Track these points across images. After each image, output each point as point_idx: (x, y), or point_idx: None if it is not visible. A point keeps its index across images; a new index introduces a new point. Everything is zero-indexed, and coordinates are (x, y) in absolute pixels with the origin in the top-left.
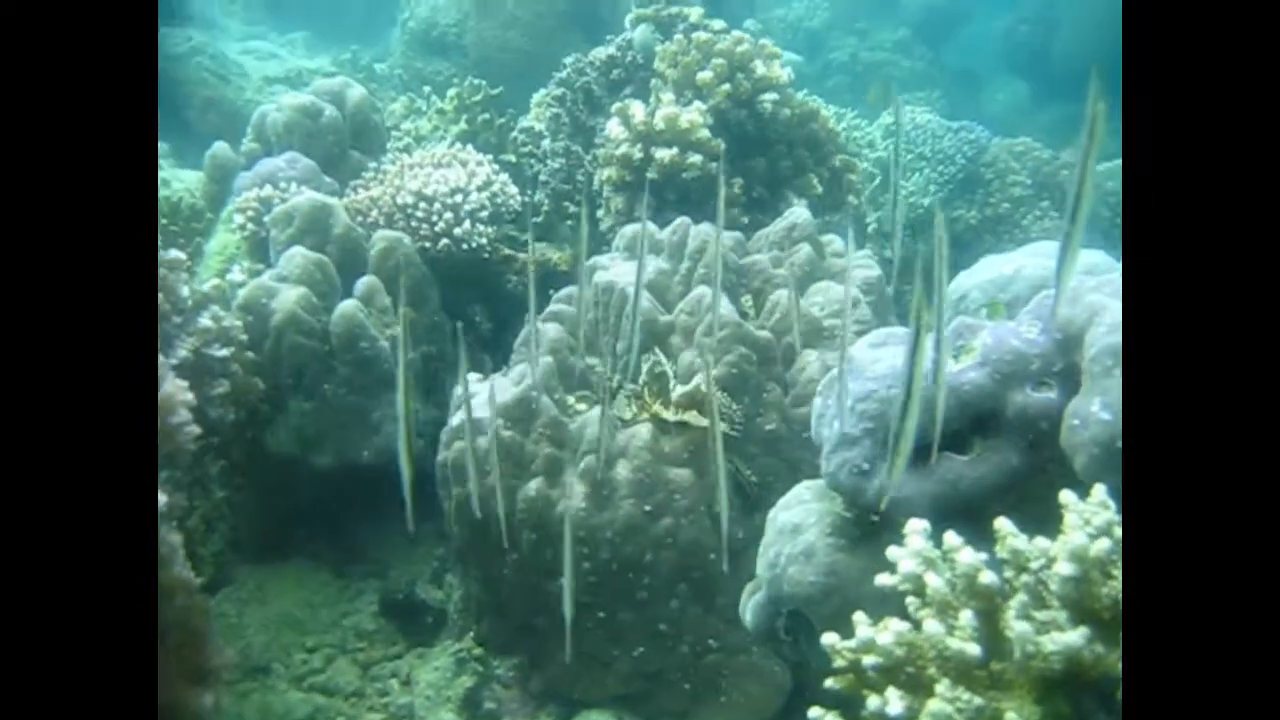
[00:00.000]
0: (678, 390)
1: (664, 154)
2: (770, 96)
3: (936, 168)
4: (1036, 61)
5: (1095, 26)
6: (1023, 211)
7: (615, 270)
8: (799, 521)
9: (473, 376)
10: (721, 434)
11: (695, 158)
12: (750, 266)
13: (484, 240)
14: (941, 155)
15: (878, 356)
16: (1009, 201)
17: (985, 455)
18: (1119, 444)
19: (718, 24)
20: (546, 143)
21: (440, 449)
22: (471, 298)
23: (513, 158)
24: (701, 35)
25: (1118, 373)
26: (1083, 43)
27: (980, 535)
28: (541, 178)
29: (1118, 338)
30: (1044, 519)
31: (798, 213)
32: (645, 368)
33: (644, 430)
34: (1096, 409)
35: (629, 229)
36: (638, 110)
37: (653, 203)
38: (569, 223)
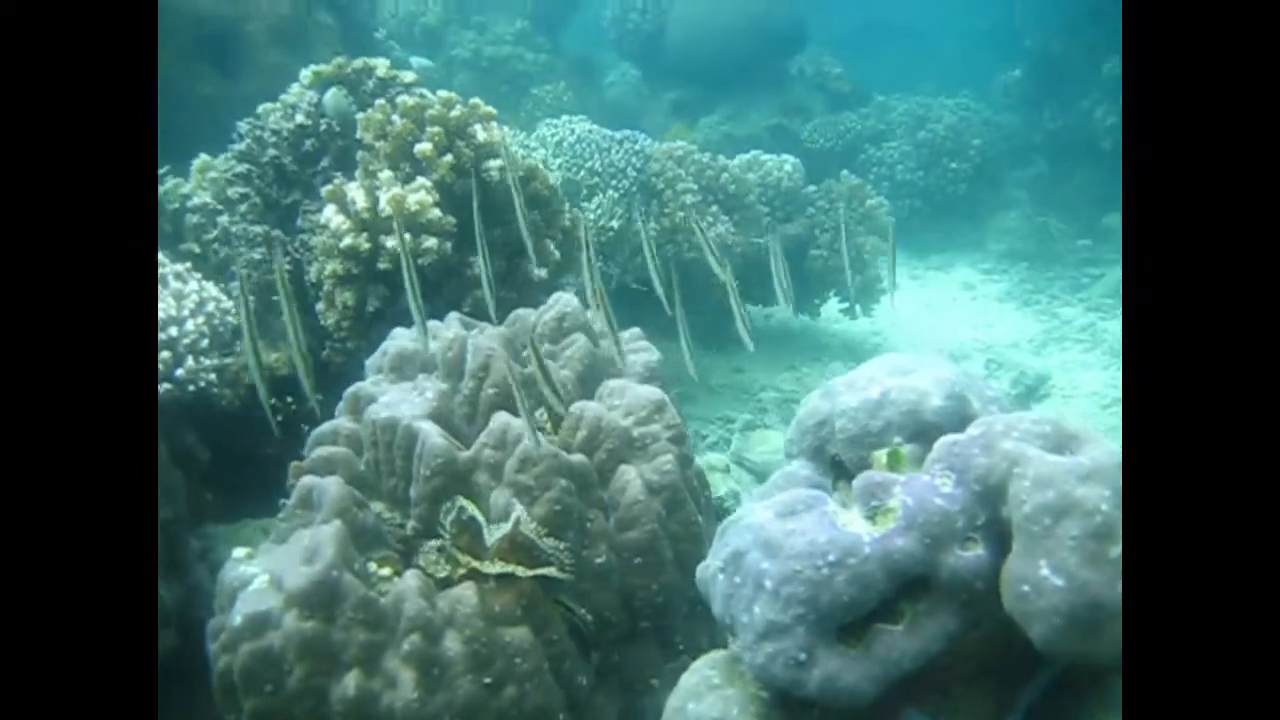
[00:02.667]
0: (495, 535)
1: (394, 243)
2: (495, 163)
3: (610, 182)
4: (648, 47)
5: (706, 11)
6: (696, 220)
7: (391, 399)
8: (720, 716)
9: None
10: (552, 578)
11: (430, 241)
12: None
13: (212, 377)
14: (613, 169)
15: (791, 529)
16: (683, 210)
17: (921, 622)
18: (1082, 611)
19: (408, 75)
20: (225, 220)
21: (215, 653)
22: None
23: (195, 246)
24: (408, 100)
25: (1059, 531)
26: (693, 26)
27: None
28: (239, 270)
29: (1051, 494)
30: None
31: (565, 300)
32: (449, 518)
33: (469, 593)
34: (1047, 573)
35: (394, 346)
36: (358, 195)
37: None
38: (283, 318)
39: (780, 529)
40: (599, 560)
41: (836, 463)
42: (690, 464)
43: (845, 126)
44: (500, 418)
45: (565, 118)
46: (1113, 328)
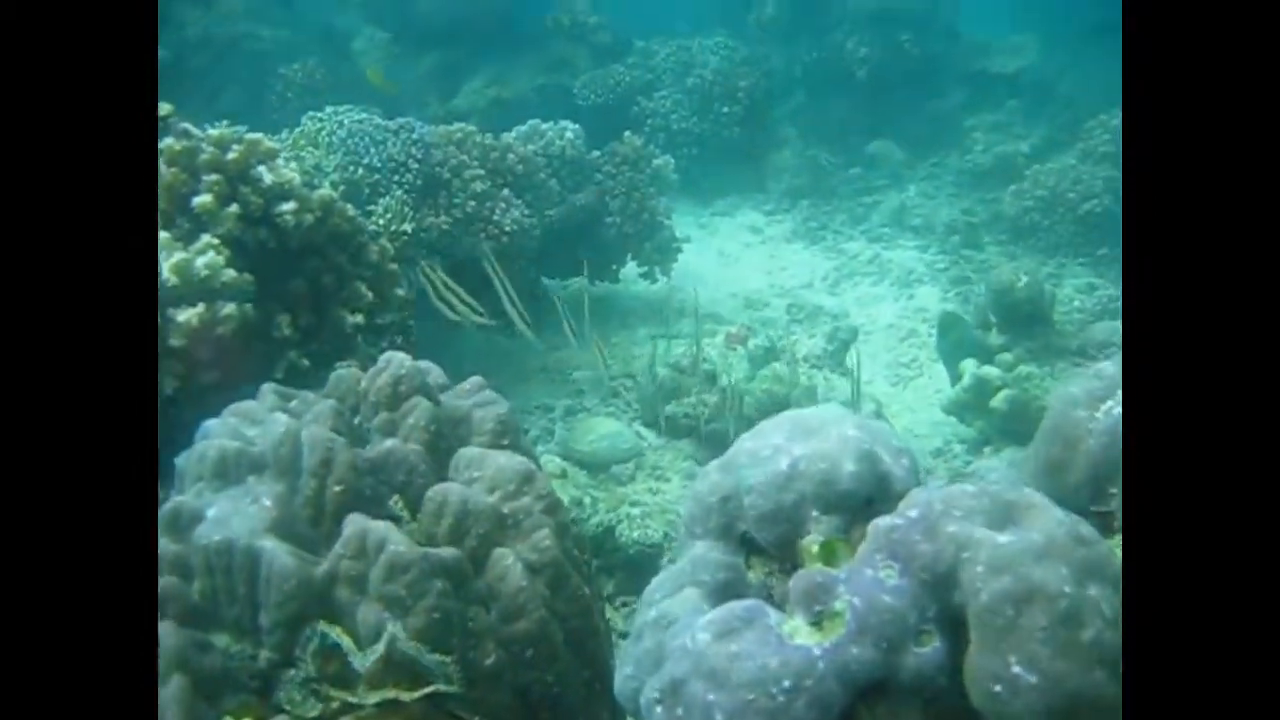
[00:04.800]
0: (367, 659)
1: (189, 315)
2: (288, 206)
3: (393, 179)
4: (399, 4)
5: None
6: (490, 207)
7: (220, 512)
8: None
9: None
10: (439, 695)
11: (228, 307)
12: (386, 458)
13: None
14: (393, 164)
15: (735, 651)
16: (474, 199)
17: None
18: (1060, 704)
19: (164, 107)
20: None
21: None
22: None
23: None
24: (173, 144)
25: (1025, 622)
26: None
27: None
28: None
29: (1008, 580)
30: None
31: (398, 361)
32: (310, 647)
33: None
34: (1019, 670)
35: (213, 448)
36: None
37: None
38: None
39: (723, 653)
40: (488, 661)
41: (747, 539)
42: (567, 532)
43: (614, 80)
44: (356, 522)
45: (330, 109)
46: (896, 256)
